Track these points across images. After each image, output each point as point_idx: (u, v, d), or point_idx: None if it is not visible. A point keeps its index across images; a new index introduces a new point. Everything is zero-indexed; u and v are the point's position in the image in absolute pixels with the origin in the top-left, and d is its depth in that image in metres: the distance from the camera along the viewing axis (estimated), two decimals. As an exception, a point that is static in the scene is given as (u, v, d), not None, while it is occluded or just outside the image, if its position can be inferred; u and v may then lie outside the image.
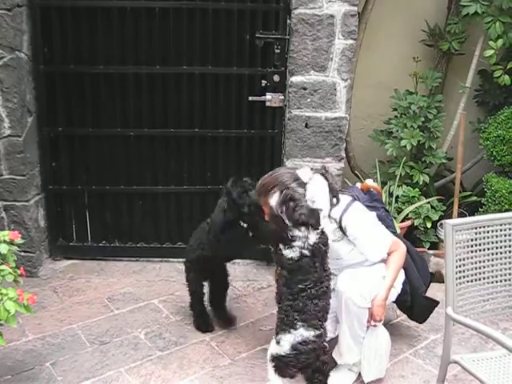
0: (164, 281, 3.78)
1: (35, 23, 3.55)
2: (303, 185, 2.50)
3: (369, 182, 3.09)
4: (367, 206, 2.81)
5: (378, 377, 2.84)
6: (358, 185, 3.09)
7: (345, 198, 2.71)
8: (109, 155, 3.85)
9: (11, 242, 2.56)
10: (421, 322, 3.20)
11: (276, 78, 3.64)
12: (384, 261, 2.76)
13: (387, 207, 3.78)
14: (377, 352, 2.78)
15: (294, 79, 3.55)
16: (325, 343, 2.50)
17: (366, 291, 2.65)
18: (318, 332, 2.43)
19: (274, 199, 2.49)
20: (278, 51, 3.59)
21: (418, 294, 2.98)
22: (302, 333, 2.41)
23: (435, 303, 3.08)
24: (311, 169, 2.61)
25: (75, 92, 3.71)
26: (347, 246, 2.74)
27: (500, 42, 3.73)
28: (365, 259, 2.76)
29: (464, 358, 2.30)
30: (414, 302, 2.98)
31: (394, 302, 2.97)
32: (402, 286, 2.86)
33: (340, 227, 2.69)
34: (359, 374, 2.85)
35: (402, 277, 2.86)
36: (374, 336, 2.77)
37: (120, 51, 3.65)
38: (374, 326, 2.73)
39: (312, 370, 2.46)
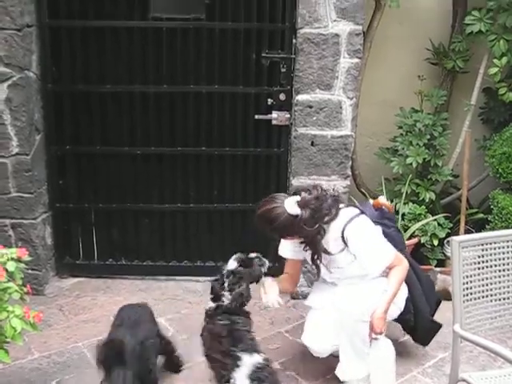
0: (170, 299, 3.78)
1: (44, 43, 3.59)
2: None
3: (381, 199, 3.07)
4: (376, 223, 2.81)
5: None
6: (371, 201, 3.09)
7: (351, 211, 2.73)
8: (116, 173, 3.87)
9: (19, 260, 2.57)
10: (424, 345, 3.18)
11: (282, 96, 3.66)
12: (385, 275, 2.77)
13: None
14: (382, 365, 2.77)
15: (300, 98, 3.57)
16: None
17: (364, 306, 2.65)
18: (263, 354, 2.44)
19: (288, 205, 2.59)
20: (284, 70, 3.62)
21: (422, 316, 2.97)
22: (250, 360, 2.43)
23: (438, 326, 3.08)
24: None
25: (83, 111, 3.74)
26: (348, 258, 2.74)
27: (504, 59, 3.75)
28: (365, 273, 2.76)
29: (472, 376, 2.29)
30: (418, 324, 2.97)
31: (397, 320, 2.96)
32: (404, 303, 2.85)
33: (342, 237, 2.69)
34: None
35: (404, 293, 2.86)
36: (377, 349, 2.76)
37: (128, 71, 3.68)
38: (375, 339, 2.71)
39: None
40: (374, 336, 2.69)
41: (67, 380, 2.92)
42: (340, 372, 2.81)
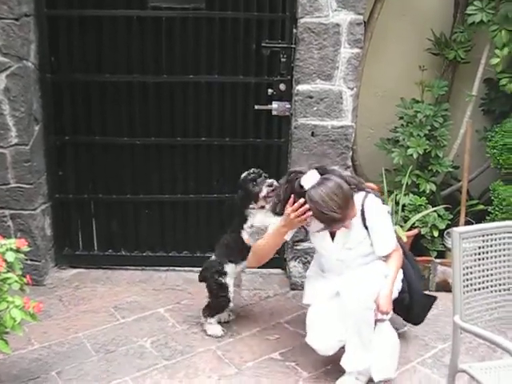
0: (170, 290, 3.78)
1: (42, 33, 3.58)
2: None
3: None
4: None
5: (389, 376, 2.82)
6: None
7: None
8: (115, 164, 3.86)
9: (18, 250, 2.56)
10: (417, 324, 3.20)
11: (282, 86, 3.65)
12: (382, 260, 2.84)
13: (394, 216, 3.78)
14: (385, 350, 2.78)
15: (300, 88, 3.56)
16: None
17: (370, 292, 2.67)
18: None
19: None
20: (284, 60, 3.60)
21: (416, 293, 2.99)
22: None
23: (433, 299, 3.15)
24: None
25: (82, 101, 3.73)
26: (361, 235, 2.77)
27: (506, 50, 3.73)
28: (368, 253, 2.80)
29: (472, 367, 2.28)
30: (413, 301, 2.97)
31: (394, 300, 2.97)
32: (401, 283, 2.90)
33: (362, 210, 2.74)
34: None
35: (400, 275, 2.91)
36: (382, 335, 2.77)
37: (126, 60, 3.67)
38: (381, 320, 2.72)
39: None
40: (380, 317, 2.69)
41: (67, 370, 2.92)
42: (345, 362, 2.80)
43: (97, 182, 3.89)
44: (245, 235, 3.17)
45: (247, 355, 3.09)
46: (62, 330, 3.28)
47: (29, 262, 3.53)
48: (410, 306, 2.99)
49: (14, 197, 3.59)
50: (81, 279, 3.88)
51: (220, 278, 3.22)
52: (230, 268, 3.24)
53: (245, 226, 3.18)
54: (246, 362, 3.03)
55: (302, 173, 2.68)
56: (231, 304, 3.25)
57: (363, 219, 2.76)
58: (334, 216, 2.56)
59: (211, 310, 3.27)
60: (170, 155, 3.85)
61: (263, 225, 3.10)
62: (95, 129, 3.78)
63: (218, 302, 3.24)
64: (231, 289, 3.23)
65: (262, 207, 3.14)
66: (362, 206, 2.75)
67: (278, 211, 2.84)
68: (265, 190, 3.10)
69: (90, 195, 3.91)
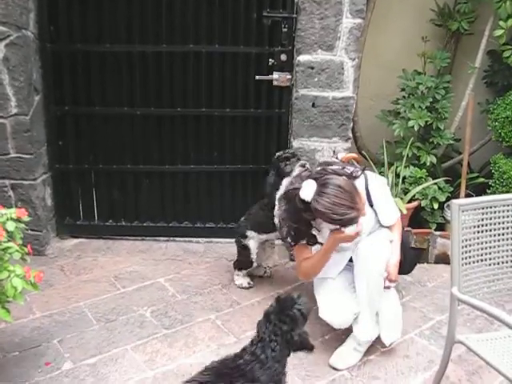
0: (170, 260, 3.80)
1: (41, 1, 3.53)
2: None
3: (341, 154, 3.21)
4: None
5: (396, 338, 2.90)
6: (339, 157, 3.14)
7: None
8: (116, 134, 3.85)
9: (18, 220, 2.57)
10: (406, 273, 3.24)
11: (283, 57, 3.62)
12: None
13: (394, 188, 3.78)
14: (393, 315, 2.85)
15: (302, 58, 3.53)
16: None
17: (382, 259, 2.71)
18: None
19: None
20: (286, 30, 3.56)
21: (406, 247, 3.02)
22: None
23: (421, 250, 3.32)
24: None
25: (82, 71, 3.70)
26: (368, 215, 2.75)
27: (510, 21, 3.68)
28: (374, 226, 2.82)
29: (469, 339, 2.31)
30: (405, 256, 2.99)
31: None
32: None
33: (367, 193, 2.76)
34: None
35: None
36: (389, 300, 2.83)
37: (126, 29, 3.62)
38: (389, 287, 2.78)
39: None
40: (388, 284, 2.75)
41: (69, 339, 2.95)
42: (359, 333, 2.84)
43: (97, 153, 3.89)
44: (275, 219, 3.11)
45: (246, 325, 3.12)
46: (63, 300, 3.31)
47: (30, 232, 3.55)
48: (404, 260, 3.00)
49: (14, 167, 3.59)
50: (82, 249, 3.90)
51: (242, 240, 3.41)
52: (252, 234, 3.40)
53: (275, 208, 3.13)
54: (245, 332, 3.06)
55: (297, 188, 2.57)
56: (254, 264, 3.46)
57: (369, 200, 2.77)
58: (349, 217, 2.48)
59: (237, 264, 3.52)
60: (170, 126, 3.83)
61: None
62: (95, 99, 3.76)
63: (240, 260, 3.50)
64: (253, 251, 3.42)
65: None
66: (367, 189, 2.75)
67: (292, 240, 2.77)
68: (297, 170, 3.08)
69: (91, 165, 3.91)
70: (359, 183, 2.69)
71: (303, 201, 2.53)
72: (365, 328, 2.82)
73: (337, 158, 3.14)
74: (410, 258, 3.11)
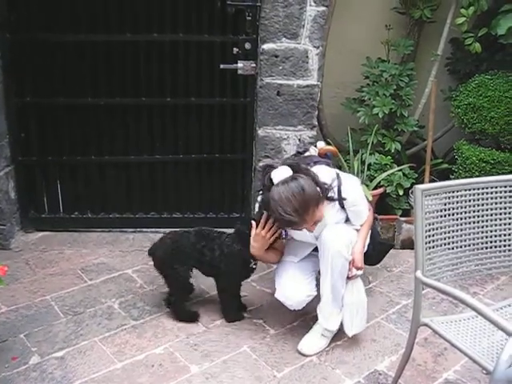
0: (137, 251, 3.77)
1: (-1, -11, 3.46)
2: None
3: (320, 144, 3.12)
4: None
5: (360, 330, 2.90)
6: (314, 150, 3.07)
7: (324, 168, 2.76)
8: (79, 125, 3.79)
9: (-20, 213, 2.53)
10: (376, 264, 3.29)
11: (247, 45, 3.60)
12: None
13: (359, 175, 3.82)
14: (358, 305, 2.84)
15: (266, 47, 3.52)
16: None
17: (347, 242, 2.71)
18: None
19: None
20: (250, 18, 3.54)
21: (375, 241, 3.06)
22: None
23: (389, 245, 3.29)
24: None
25: (43, 61, 3.62)
26: (338, 216, 2.78)
27: (471, 9, 3.73)
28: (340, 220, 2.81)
29: (433, 321, 2.34)
30: (374, 248, 3.04)
31: None
32: (368, 238, 2.97)
33: (339, 197, 2.73)
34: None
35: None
36: (354, 290, 2.82)
37: (90, 19, 3.56)
38: (355, 276, 2.78)
39: None
40: (354, 273, 2.75)
41: (36, 333, 2.91)
42: (322, 319, 2.86)
43: (61, 144, 3.82)
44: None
45: (215, 314, 3.12)
46: (30, 293, 3.27)
47: (-7, 225, 3.49)
48: (370, 253, 3.04)
49: (-25, 160, 3.52)
50: (47, 242, 3.85)
51: None
52: None
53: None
54: (214, 321, 3.07)
55: (274, 167, 2.57)
56: None
57: (340, 204, 2.75)
58: (289, 219, 2.48)
59: None
60: (134, 116, 3.79)
61: None
62: (58, 90, 3.69)
63: None
64: None
65: None
66: (339, 192, 2.71)
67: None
68: (312, 151, 3.04)
69: (55, 157, 3.85)
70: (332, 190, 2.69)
71: (271, 180, 2.55)
72: (329, 316, 2.83)
73: (315, 147, 3.12)
74: (378, 250, 3.14)
